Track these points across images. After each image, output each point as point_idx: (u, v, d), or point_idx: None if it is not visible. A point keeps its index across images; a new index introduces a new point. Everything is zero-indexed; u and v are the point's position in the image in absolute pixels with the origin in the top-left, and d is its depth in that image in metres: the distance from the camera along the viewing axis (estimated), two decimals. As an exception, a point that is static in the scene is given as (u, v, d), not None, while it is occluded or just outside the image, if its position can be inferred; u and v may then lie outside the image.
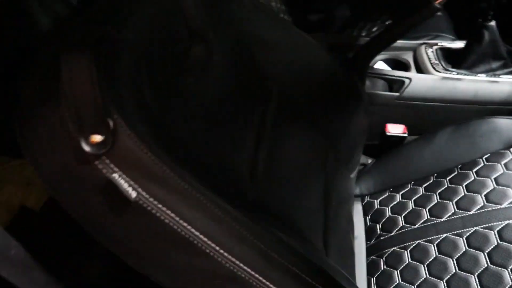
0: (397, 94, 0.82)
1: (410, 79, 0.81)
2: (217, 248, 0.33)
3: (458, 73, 0.82)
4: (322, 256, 0.54)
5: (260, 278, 0.35)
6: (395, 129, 0.81)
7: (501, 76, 0.80)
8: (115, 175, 0.29)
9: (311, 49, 0.72)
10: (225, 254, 0.34)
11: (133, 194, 0.30)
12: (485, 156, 0.72)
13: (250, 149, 0.50)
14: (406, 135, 0.82)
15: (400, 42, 0.95)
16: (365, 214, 0.80)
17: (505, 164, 0.68)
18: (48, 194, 0.64)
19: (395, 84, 0.83)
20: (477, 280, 0.57)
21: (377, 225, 0.75)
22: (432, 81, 0.81)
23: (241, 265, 0.34)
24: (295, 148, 0.63)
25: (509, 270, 0.55)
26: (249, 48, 0.59)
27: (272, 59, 0.63)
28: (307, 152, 0.66)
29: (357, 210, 0.81)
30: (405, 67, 0.89)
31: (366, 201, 0.81)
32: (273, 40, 0.64)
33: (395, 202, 0.76)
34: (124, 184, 0.30)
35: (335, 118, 0.74)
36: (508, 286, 0.54)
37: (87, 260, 0.67)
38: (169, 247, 0.33)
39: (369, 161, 0.88)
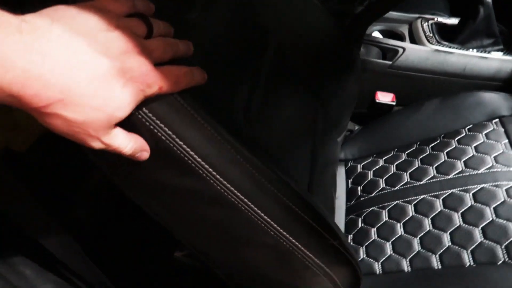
0: (389, 62, 0.83)
1: (404, 48, 0.82)
2: (210, 169, 0.34)
3: (450, 47, 0.83)
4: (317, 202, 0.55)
5: (249, 203, 0.36)
6: (385, 97, 0.83)
7: (491, 53, 0.82)
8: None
9: (313, 11, 0.73)
10: (217, 176, 0.34)
11: None
12: (468, 127, 0.74)
13: (244, 93, 0.50)
14: (394, 103, 0.83)
15: (396, 15, 0.96)
16: (347, 177, 0.82)
17: (486, 134, 0.70)
18: (35, 137, 0.64)
19: (389, 53, 0.84)
20: (449, 237, 0.60)
21: (358, 187, 0.77)
22: (424, 52, 0.82)
23: (232, 188, 0.35)
24: (287, 103, 0.63)
25: (479, 229, 0.58)
26: (252, 6, 0.59)
27: (272, 14, 0.63)
28: (298, 109, 0.67)
29: (340, 173, 0.83)
30: (399, 38, 0.90)
31: (349, 165, 0.84)
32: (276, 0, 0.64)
33: (377, 166, 0.78)
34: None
35: (327, 81, 0.75)
36: (477, 243, 0.57)
37: (74, 200, 0.68)
38: (162, 164, 0.34)
39: (356, 127, 0.90)
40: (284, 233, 0.38)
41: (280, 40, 0.63)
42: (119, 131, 0.29)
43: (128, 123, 0.30)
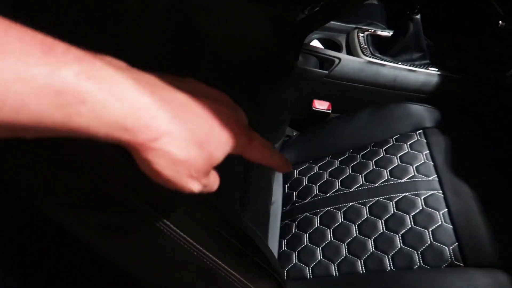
0: (326, 72, 0.86)
1: (340, 59, 0.86)
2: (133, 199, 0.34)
3: (382, 59, 0.88)
4: (238, 215, 0.56)
5: (176, 229, 0.36)
6: (321, 105, 0.86)
7: (419, 66, 0.88)
8: None
9: (251, 17, 0.73)
10: (140, 204, 0.34)
11: None
12: (395, 136, 0.79)
13: None
14: (330, 111, 0.87)
15: (336, 24, 0.99)
16: (284, 182, 0.84)
17: (410, 144, 0.75)
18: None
19: (326, 63, 0.87)
20: (372, 243, 0.64)
21: (294, 193, 0.80)
22: (359, 63, 0.86)
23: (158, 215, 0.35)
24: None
25: (399, 235, 0.63)
26: (187, 11, 0.58)
27: (208, 21, 0.62)
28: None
29: (278, 178, 0.85)
30: (337, 47, 0.94)
31: (287, 170, 0.86)
32: (212, 5, 0.63)
33: (312, 173, 0.81)
34: None
35: (264, 88, 0.76)
36: (397, 249, 0.61)
37: None
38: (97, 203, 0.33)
39: (294, 133, 0.92)
40: (208, 253, 0.39)
41: (217, 47, 0.63)
42: (212, 175, 0.29)
43: None
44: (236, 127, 0.29)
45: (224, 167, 0.58)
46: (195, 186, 0.26)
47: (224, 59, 0.65)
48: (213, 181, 0.30)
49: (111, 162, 0.30)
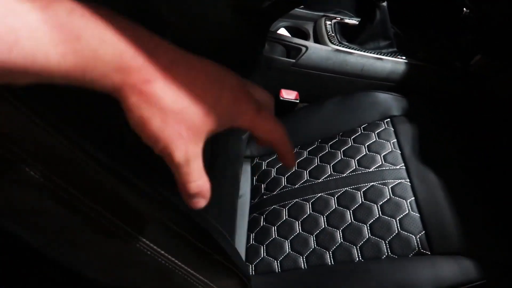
0: (293, 60, 0.84)
1: (306, 47, 0.84)
2: (82, 197, 0.31)
3: (350, 47, 0.86)
4: (200, 213, 0.54)
5: (126, 227, 0.33)
6: (289, 95, 0.84)
7: (386, 54, 0.87)
8: None
9: (216, 4, 0.70)
10: (95, 206, 0.31)
11: None
12: (363, 126, 0.78)
13: None
14: (298, 101, 0.85)
15: (303, 12, 0.97)
16: (252, 174, 0.82)
17: (378, 133, 0.75)
18: None
19: (293, 51, 0.85)
20: (341, 234, 0.63)
21: (262, 185, 0.78)
22: (326, 52, 0.85)
23: (108, 215, 0.32)
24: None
25: (367, 225, 0.62)
26: None
27: (171, 6, 0.59)
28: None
29: (246, 170, 0.83)
30: (304, 36, 0.92)
31: (255, 162, 0.84)
32: None
33: (280, 164, 0.79)
34: None
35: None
36: (365, 239, 0.61)
37: None
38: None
39: (263, 124, 0.90)
40: (162, 252, 0.36)
41: (179, 32, 0.60)
42: (200, 157, 0.25)
43: None
44: (245, 96, 0.27)
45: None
46: (179, 153, 0.24)
47: (187, 45, 0.62)
48: (206, 188, 0.27)
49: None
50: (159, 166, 0.47)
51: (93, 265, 0.38)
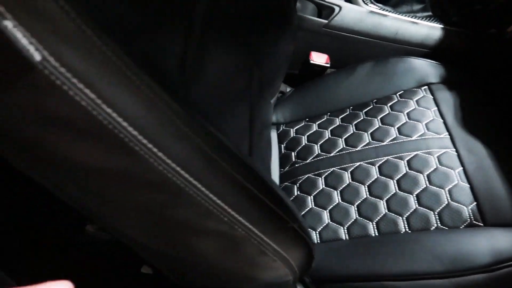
0: (325, 21, 0.79)
1: (340, 7, 0.78)
2: (150, 145, 0.26)
3: (384, 9, 0.81)
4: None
5: (199, 185, 0.29)
6: (319, 58, 0.79)
7: (420, 19, 0.82)
8: (8, 24, 0.20)
9: None
10: (159, 153, 0.26)
11: (37, 56, 0.21)
12: (399, 93, 0.74)
13: (177, 48, 0.41)
14: (328, 65, 0.80)
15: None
16: (279, 142, 0.78)
17: (417, 101, 0.71)
18: None
19: (325, 10, 0.79)
20: (385, 204, 0.60)
21: (292, 153, 0.74)
22: (360, 13, 0.79)
23: (178, 168, 0.28)
24: (223, 61, 0.56)
25: (414, 196, 0.59)
26: None
27: None
28: (234, 68, 0.59)
29: (272, 137, 0.78)
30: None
31: (281, 129, 0.79)
32: None
33: (311, 131, 0.75)
34: (22, 39, 0.20)
35: (263, 38, 0.68)
36: (412, 209, 0.58)
37: None
38: (80, 137, 0.25)
39: (288, 89, 0.85)
40: (240, 218, 0.32)
41: None
42: None
43: (32, 81, 0.21)
44: None
45: (231, 120, 0.50)
46: None
47: (222, 4, 0.56)
48: None
49: None
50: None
51: (152, 230, 0.33)
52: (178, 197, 0.29)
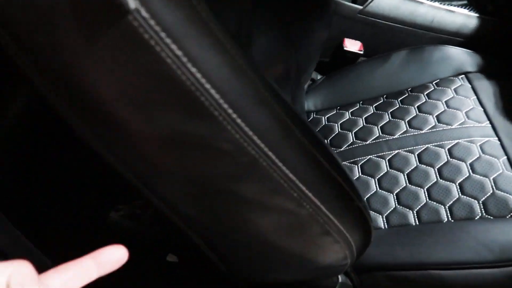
0: (360, 7, 0.77)
1: (375, -7, 0.76)
2: (230, 110, 0.25)
3: (419, -4, 0.79)
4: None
5: (273, 157, 0.28)
6: (353, 45, 0.77)
7: (455, 7, 0.81)
8: None
9: None
10: (238, 120, 0.25)
11: (132, 4, 0.19)
12: (435, 81, 0.72)
13: (236, 14, 0.40)
14: (362, 53, 0.79)
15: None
16: (311, 130, 0.76)
17: (455, 89, 0.69)
18: None
19: (360, -4, 0.78)
20: (426, 193, 0.58)
21: (326, 141, 0.72)
22: (395, 0, 0.78)
23: (254, 137, 0.26)
24: (267, 38, 0.54)
25: (457, 184, 0.58)
26: None
27: None
28: (275, 51, 0.58)
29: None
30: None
31: (312, 117, 0.78)
32: None
33: (345, 119, 0.73)
34: None
35: (301, 24, 0.67)
36: (455, 198, 0.56)
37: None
38: (167, 100, 0.23)
39: (319, 77, 0.84)
40: (310, 194, 0.31)
41: None
42: None
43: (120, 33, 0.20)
44: None
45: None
46: None
47: None
48: None
49: None
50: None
51: (222, 212, 0.32)
52: (250, 169, 0.28)
